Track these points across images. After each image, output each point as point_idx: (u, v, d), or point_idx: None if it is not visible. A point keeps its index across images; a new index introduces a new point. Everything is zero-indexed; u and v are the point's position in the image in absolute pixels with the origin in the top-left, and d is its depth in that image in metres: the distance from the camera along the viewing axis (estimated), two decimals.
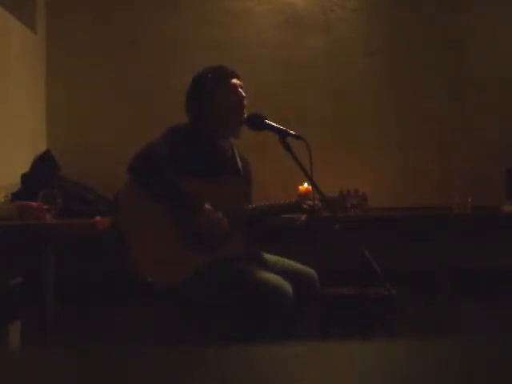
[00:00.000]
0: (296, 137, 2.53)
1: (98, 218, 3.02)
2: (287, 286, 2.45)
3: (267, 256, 2.75)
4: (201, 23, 4.03)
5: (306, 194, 3.52)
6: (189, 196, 2.52)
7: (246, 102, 2.72)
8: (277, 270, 2.60)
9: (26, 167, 3.60)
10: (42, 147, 3.84)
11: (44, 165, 3.68)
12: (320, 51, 4.04)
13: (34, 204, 3.01)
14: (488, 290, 3.72)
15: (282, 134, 2.55)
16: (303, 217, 2.66)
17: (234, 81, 2.71)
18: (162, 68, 4.01)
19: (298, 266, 2.70)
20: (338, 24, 4.04)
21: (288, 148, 2.52)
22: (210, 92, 2.69)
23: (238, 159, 2.82)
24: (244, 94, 2.71)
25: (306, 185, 3.54)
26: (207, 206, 2.53)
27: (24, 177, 3.50)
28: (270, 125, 2.59)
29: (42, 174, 3.57)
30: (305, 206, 2.63)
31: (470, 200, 3.50)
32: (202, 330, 2.82)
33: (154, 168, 2.54)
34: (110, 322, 3.63)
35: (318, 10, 4.05)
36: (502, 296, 3.69)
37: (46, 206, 2.96)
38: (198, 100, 2.72)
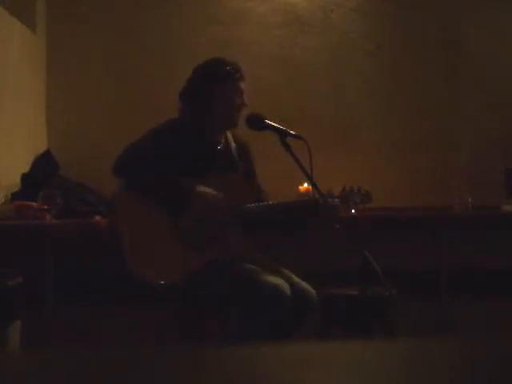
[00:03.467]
0: (296, 137, 2.53)
1: (97, 218, 3.02)
2: (285, 287, 2.45)
3: (268, 260, 2.74)
4: (201, 23, 4.02)
5: (306, 194, 3.52)
6: (178, 184, 2.50)
7: (245, 108, 2.68)
8: (276, 274, 2.58)
9: (25, 167, 3.60)
10: (42, 147, 3.84)
11: (44, 165, 3.68)
12: (320, 51, 4.04)
13: (33, 204, 3.01)
14: (488, 290, 3.72)
15: (282, 134, 2.55)
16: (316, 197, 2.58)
17: (242, 85, 2.69)
18: (163, 68, 4.00)
19: (298, 280, 2.64)
20: (338, 24, 4.04)
21: (288, 148, 2.52)
22: (212, 85, 2.65)
23: (232, 149, 2.77)
24: (246, 102, 2.69)
25: (305, 185, 3.54)
26: (199, 188, 2.51)
27: (24, 177, 3.50)
28: (270, 125, 2.58)
29: (42, 174, 3.57)
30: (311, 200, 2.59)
31: (470, 200, 3.49)
32: (202, 329, 2.82)
33: (139, 164, 2.54)
34: (110, 322, 3.63)
35: (317, 9, 4.05)
36: (501, 296, 3.69)
37: (45, 206, 2.96)
38: (197, 90, 2.68)
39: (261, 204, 2.67)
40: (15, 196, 3.37)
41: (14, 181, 3.46)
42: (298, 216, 2.75)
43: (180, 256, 2.52)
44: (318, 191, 2.49)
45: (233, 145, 2.77)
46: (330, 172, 3.74)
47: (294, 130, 2.56)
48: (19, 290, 2.77)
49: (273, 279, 2.47)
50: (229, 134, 2.77)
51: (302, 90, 4.01)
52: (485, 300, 3.69)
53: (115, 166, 2.56)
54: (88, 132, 3.99)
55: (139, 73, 4.01)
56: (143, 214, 2.57)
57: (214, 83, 2.65)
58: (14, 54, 3.61)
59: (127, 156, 2.56)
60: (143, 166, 2.54)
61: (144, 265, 2.52)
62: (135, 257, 2.52)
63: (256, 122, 2.60)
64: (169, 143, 2.58)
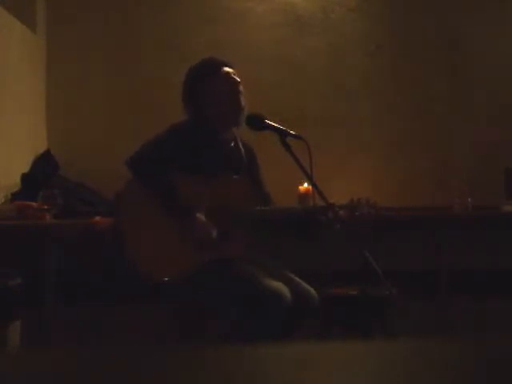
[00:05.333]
0: (296, 137, 2.53)
1: (97, 218, 3.02)
2: (285, 290, 2.45)
3: (268, 261, 2.74)
4: (201, 23, 4.02)
5: (306, 194, 3.52)
6: (180, 203, 2.53)
7: (241, 87, 2.71)
8: (276, 276, 2.58)
9: (26, 167, 3.60)
10: (42, 147, 3.84)
11: (44, 165, 3.68)
12: (320, 51, 4.04)
13: (33, 204, 3.01)
14: (488, 290, 3.72)
15: (282, 134, 2.55)
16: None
17: (226, 69, 2.72)
18: (162, 68, 4.00)
19: (299, 280, 2.66)
20: (338, 24, 4.04)
21: (288, 148, 2.52)
22: (203, 82, 2.69)
23: (241, 149, 2.80)
24: (238, 80, 2.71)
25: (305, 185, 3.54)
26: (198, 216, 2.53)
27: (24, 177, 3.50)
28: (270, 125, 2.59)
29: (42, 174, 3.57)
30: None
31: (470, 200, 3.49)
32: (202, 329, 2.82)
33: (150, 168, 2.56)
34: (110, 322, 3.63)
35: (317, 9, 4.05)
36: (501, 296, 3.69)
37: (45, 206, 2.96)
38: (193, 91, 2.72)
39: (263, 208, 2.67)
40: (15, 196, 3.37)
41: (14, 181, 3.46)
42: (299, 220, 2.75)
43: (180, 256, 2.52)
44: (318, 191, 2.48)
45: (241, 147, 2.79)
46: (330, 172, 3.74)
47: (293, 130, 2.56)
48: (19, 290, 2.77)
49: (273, 283, 2.47)
50: (238, 138, 2.80)
51: (302, 90, 4.01)
52: (485, 300, 3.69)
53: (128, 161, 2.59)
54: (88, 132, 3.99)
55: (139, 73, 4.01)
56: (145, 214, 2.58)
57: (202, 81, 2.68)
58: (14, 54, 3.61)
59: (141, 155, 2.59)
60: (152, 171, 2.57)
61: (145, 265, 2.52)
62: (136, 256, 2.53)
63: (256, 122, 2.61)
64: (183, 144, 2.60)
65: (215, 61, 2.74)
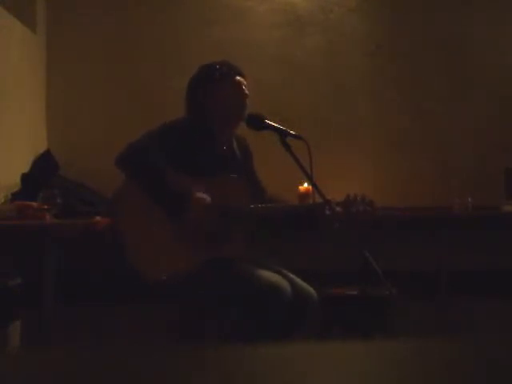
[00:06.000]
0: (296, 137, 2.53)
1: (97, 217, 3.02)
2: (285, 284, 2.45)
3: (268, 261, 2.74)
4: (201, 23, 4.02)
5: (306, 194, 3.52)
6: (176, 189, 2.50)
7: (247, 101, 2.71)
8: (275, 272, 2.58)
9: (25, 167, 3.60)
10: (42, 147, 3.84)
11: (44, 165, 3.68)
12: (320, 51, 4.04)
13: (34, 204, 3.01)
14: (488, 290, 3.72)
15: (282, 134, 2.55)
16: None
17: (239, 78, 2.72)
18: (162, 68, 4.01)
19: (299, 280, 2.66)
20: (338, 24, 4.04)
21: (288, 148, 2.52)
22: (213, 84, 2.68)
23: (235, 148, 2.80)
24: (247, 93, 2.72)
25: (306, 185, 3.54)
26: (198, 194, 2.51)
27: (24, 177, 3.50)
28: (270, 125, 2.59)
29: (42, 174, 3.57)
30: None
31: (470, 200, 3.49)
32: (202, 329, 2.82)
33: (138, 156, 2.54)
34: (110, 322, 3.63)
35: (317, 9, 4.05)
36: (501, 296, 3.68)
37: (45, 206, 2.96)
38: (200, 87, 2.71)
39: (262, 206, 2.67)
40: (15, 196, 3.37)
41: (14, 181, 3.46)
42: (297, 218, 2.75)
43: (180, 255, 2.52)
44: (318, 191, 2.48)
45: (234, 143, 2.79)
46: (330, 172, 3.74)
47: (293, 130, 2.56)
48: (19, 290, 2.77)
49: (272, 276, 2.48)
50: (232, 137, 2.79)
51: (302, 90, 4.01)
52: (485, 300, 3.68)
53: (116, 158, 2.57)
54: (88, 132, 3.98)
55: (139, 73, 4.01)
56: (143, 213, 2.57)
57: (212, 82, 2.68)
58: (14, 54, 3.61)
59: (128, 147, 2.57)
60: (146, 160, 2.54)
61: (144, 264, 2.52)
62: (135, 256, 2.52)
63: (256, 122, 2.61)
64: (179, 142, 2.59)
65: (231, 66, 2.73)
